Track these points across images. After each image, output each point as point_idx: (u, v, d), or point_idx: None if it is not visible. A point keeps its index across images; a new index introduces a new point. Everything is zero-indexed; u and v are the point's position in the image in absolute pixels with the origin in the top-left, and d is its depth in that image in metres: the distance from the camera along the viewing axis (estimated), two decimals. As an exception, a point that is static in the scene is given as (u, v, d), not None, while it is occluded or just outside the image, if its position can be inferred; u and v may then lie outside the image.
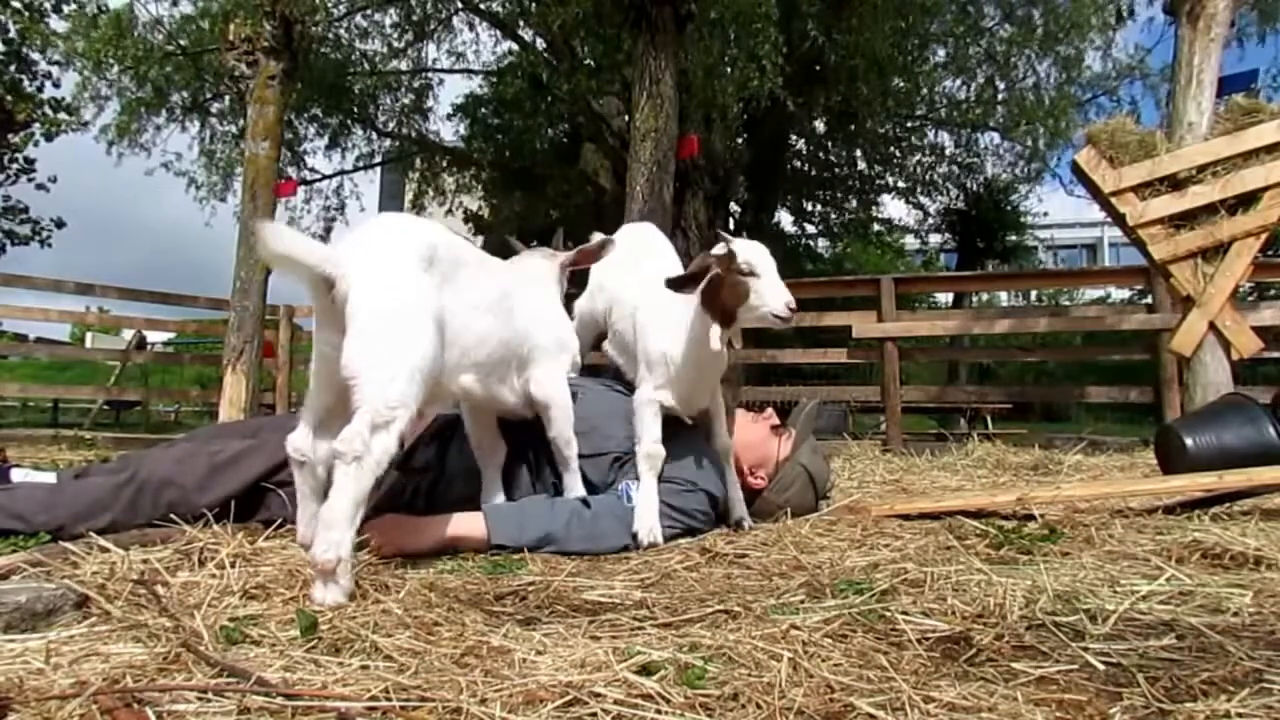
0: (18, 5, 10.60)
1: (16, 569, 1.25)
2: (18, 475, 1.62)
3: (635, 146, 5.66)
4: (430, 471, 1.71)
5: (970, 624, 1.06)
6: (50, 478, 1.64)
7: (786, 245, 15.02)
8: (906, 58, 9.91)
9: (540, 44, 10.18)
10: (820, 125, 12.09)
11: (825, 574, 1.39)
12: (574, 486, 1.74)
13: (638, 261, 2.04)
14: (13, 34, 10.92)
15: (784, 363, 7.20)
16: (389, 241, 1.34)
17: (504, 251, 1.96)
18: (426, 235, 1.38)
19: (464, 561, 1.52)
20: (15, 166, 12.49)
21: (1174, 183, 3.26)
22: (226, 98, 9.90)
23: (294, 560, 1.37)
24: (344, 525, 1.15)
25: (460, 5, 10.40)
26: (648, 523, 1.66)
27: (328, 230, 12.20)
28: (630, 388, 1.95)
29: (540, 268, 1.85)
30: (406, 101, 11.89)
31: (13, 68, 11.32)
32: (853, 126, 11.00)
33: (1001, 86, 10.60)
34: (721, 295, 1.59)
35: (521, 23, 10.45)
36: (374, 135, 11.94)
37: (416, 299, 1.29)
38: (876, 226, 15.72)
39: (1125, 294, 12.05)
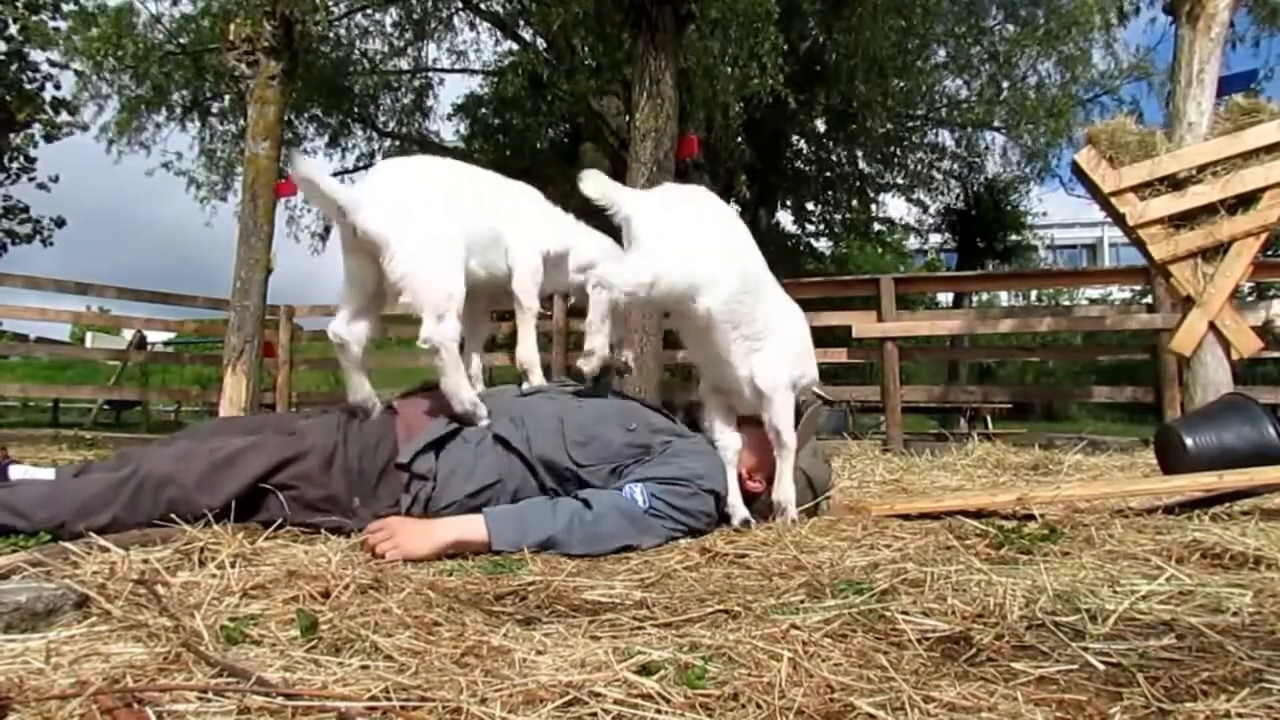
0: (19, 2, 10.60)
1: (16, 569, 1.25)
2: (16, 472, 1.61)
3: (635, 146, 5.66)
4: (430, 479, 1.71)
5: (970, 624, 1.06)
6: (49, 474, 1.63)
7: (786, 245, 15.02)
8: (907, 57, 9.91)
9: (540, 43, 10.18)
10: (820, 125, 12.09)
11: (825, 574, 1.39)
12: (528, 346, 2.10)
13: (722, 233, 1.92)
14: (13, 30, 10.90)
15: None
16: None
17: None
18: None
19: (464, 561, 1.52)
20: (16, 166, 12.50)
21: (1174, 183, 3.26)
22: (226, 98, 9.91)
23: (294, 560, 1.37)
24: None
25: (460, 4, 10.40)
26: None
27: (327, 230, 12.21)
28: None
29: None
30: (406, 101, 11.90)
31: (14, 67, 11.32)
32: (853, 126, 10.99)
33: (1004, 86, 10.59)
34: None
35: (521, 22, 10.45)
36: (374, 135, 11.95)
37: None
38: (877, 226, 15.72)
39: (1125, 294, 12.07)
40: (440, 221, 1.84)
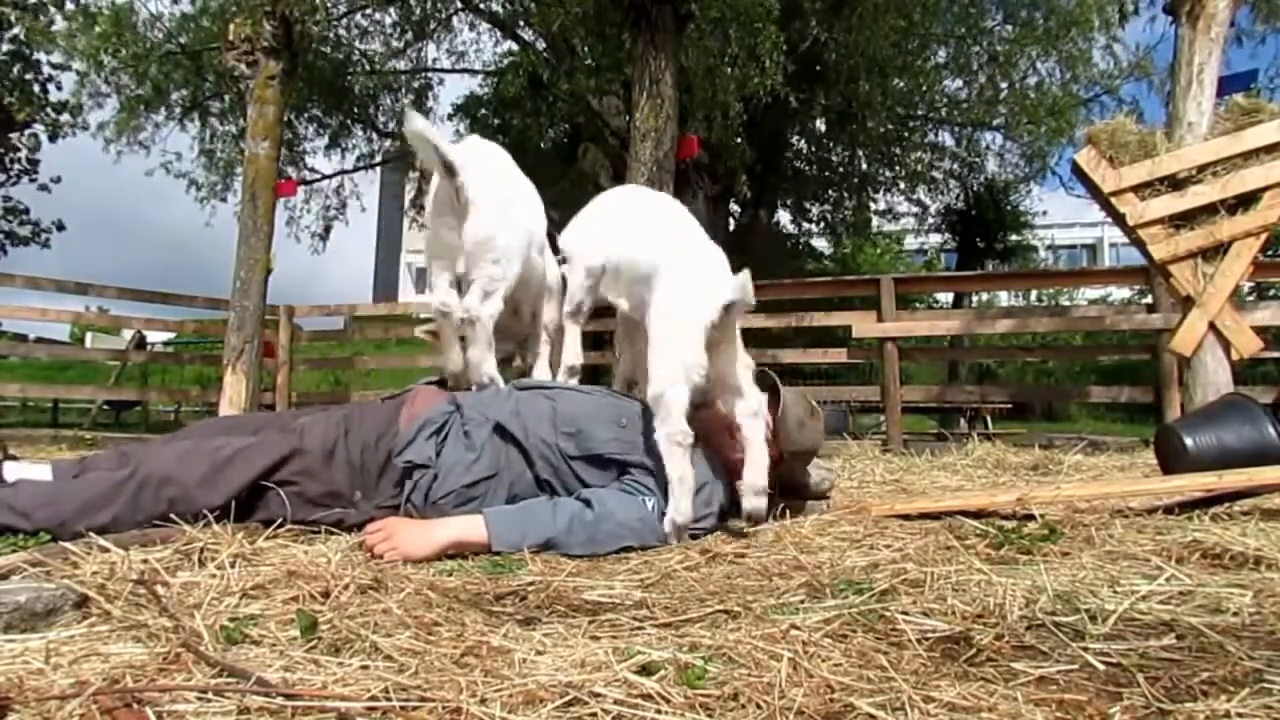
0: (26, 4, 10.59)
1: (16, 569, 1.25)
2: (11, 469, 1.60)
3: (635, 146, 5.66)
4: (430, 468, 1.71)
5: (970, 624, 1.06)
6: (45, 469, 1.62)
7: (786, 245, 15.02)
8: (907, 57, 9.91)
9: (540, 44, 10.17)
10: (820, 124, 12.09)
11: (825, 574, 1.39)
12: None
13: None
14: (17, 31, 10.88)
15: (784, 362, 7.22)
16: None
17: None
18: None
19: (464, 561, 1.52)
20: (17, 168, 12.49)
21: (1174, 183, 3.26)
22: (226, 97, 9.90)
23: (294, 560, 1.37)
24: None
25: (460, 5, 10.39)
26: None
27: (327, 230, 12.20)
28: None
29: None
30: (406, 101, 11.88)
31: (16, 69, 11.30)
32: (853, 126, 10.99)
33: (1004, 86, 10.59)
34: None
35: (521, 22, 10.45)
36: (374, 135, 11.93)
37: None
38: (876, 222, 15.72)
39: (1125, 294, 12.07)
40: (514, 201, 2.01)
